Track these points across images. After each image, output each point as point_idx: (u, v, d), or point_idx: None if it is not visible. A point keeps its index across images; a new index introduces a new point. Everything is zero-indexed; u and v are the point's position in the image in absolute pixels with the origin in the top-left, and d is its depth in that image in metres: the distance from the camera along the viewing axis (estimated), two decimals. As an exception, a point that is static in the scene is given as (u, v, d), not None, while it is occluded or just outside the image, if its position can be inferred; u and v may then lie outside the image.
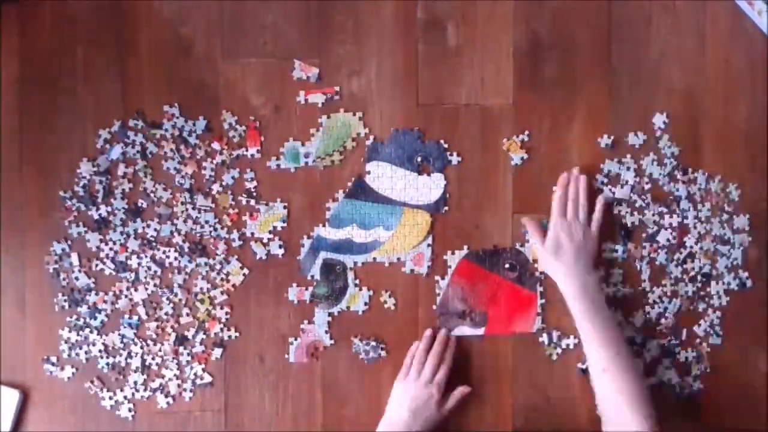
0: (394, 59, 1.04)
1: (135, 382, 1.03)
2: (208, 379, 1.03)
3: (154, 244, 1.02)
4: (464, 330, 1.05)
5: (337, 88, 1.03)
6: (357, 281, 1.04)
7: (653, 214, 1.05)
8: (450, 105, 1.05)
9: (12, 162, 1.02)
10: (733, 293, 1.07)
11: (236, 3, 1.03)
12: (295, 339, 1.04)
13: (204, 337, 1.03)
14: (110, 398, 1.02)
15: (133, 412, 1.03)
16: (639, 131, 1.05)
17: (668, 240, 1.05)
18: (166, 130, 1.02)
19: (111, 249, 1.02)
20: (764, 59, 1.06)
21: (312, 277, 1.04)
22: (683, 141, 1.06)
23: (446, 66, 1.05)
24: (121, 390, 1.03)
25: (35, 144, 1.02)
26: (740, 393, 1.08)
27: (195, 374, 1.03)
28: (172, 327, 1.03)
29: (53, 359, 1.02)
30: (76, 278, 1.02)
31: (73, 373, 1.02)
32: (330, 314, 1.04)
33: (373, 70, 1.04)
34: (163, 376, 1.03)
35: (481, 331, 1.05)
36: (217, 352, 1.03)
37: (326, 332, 1.04)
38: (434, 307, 1.05)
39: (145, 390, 1.03)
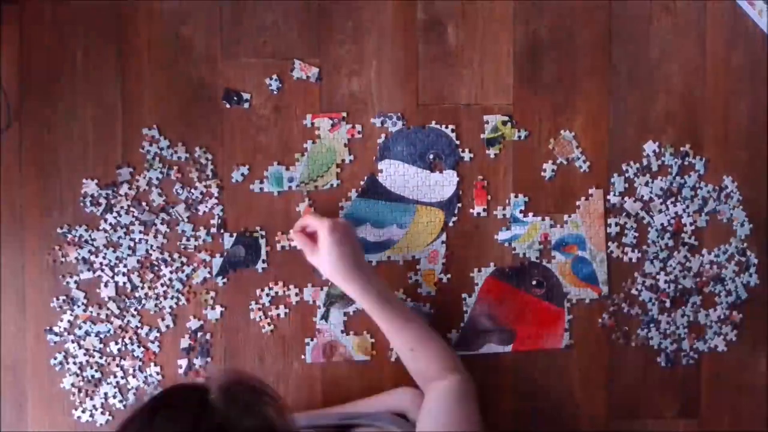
0: (394, 59, 1.04)
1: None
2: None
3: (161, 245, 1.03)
4: (492, 347, 1.05)
5: (344, 114, 1.03)
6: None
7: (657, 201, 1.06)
8: (450, 105, 1.05)
9: (12, 162, 1.02)
10: (732, 293, 1.07)
11: (236, 3, 1.03)
12: (312, 339, 1.04)
13: (200, 336, 1.03)
14: (82, 411, 1.02)
15: (110, 417, 1.02)
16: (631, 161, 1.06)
17: (664, 226, 1.06)
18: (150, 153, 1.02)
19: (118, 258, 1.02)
20: (764, 59, 1.06)
21: (327, 277, 1.04)
22: (683, 141, 1.06)
23: (446, 66, 1.05)
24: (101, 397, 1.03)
25: (35, 144, 1.02)
26: (740, 393, 1.08)
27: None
28: (165, 328, 1.03)
29: (55, 329, 1.02)
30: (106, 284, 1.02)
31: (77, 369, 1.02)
32: (345, 314, 1.04)
33: (373, 70, 1.04)
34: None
35: (508, 348, 1.05)
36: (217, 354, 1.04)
37: (342, 332, 1.04)
38: (462, 324, 1.05)
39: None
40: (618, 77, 1.06)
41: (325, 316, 1.04)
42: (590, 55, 1.06)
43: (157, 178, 1.02)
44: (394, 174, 1.04)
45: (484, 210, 1.05)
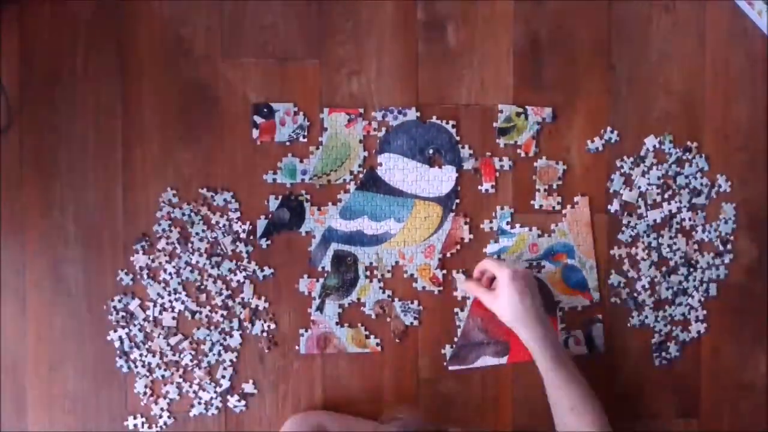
0: (394, 59, 1.04)
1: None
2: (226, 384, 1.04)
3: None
4: (487, 360, 1.05)
5: (361, 110, 1.03)
6: (368, 273, 1.04)
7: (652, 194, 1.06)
8: (450, 105, 1.05)
9: (12, 162, 1.02)
10: (733, 291, 1.07)
11: (236, 3, 1.03)
12: (306, 330, 1.04)
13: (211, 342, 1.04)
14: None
15: (171, 419, 1.03)
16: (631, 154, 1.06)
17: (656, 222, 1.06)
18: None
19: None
20: (764, 59, 1.07)
21: (323, 268, 1.04)
22: (683, 141, 1.06)
23: (446, 66, 1.05)
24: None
25: (35, 144, 1.02)
26: (740, 393, 1.08)
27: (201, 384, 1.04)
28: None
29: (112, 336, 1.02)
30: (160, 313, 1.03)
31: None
32: (341, 306, 1.04)
33: (373, 70, 1.04)
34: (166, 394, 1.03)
35: (504, 360, 1.05)
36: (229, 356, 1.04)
37: (337, 324, 1.04)
38: (455, 339, 1.04)
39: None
40: (618, 77, 1.06)
41: (321, 308, 1.04)
42: (590, 55, 1.06)
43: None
44: (393, 168, 1.04)
45: (492, 187, 1.04)
